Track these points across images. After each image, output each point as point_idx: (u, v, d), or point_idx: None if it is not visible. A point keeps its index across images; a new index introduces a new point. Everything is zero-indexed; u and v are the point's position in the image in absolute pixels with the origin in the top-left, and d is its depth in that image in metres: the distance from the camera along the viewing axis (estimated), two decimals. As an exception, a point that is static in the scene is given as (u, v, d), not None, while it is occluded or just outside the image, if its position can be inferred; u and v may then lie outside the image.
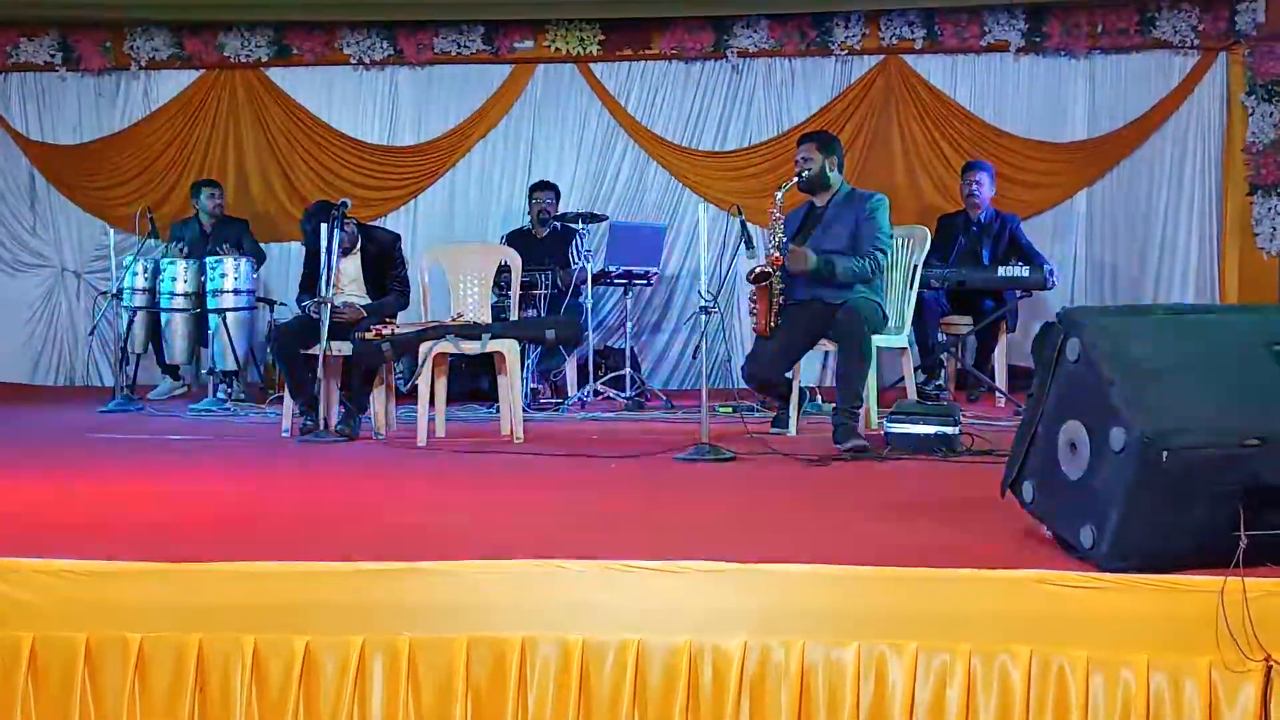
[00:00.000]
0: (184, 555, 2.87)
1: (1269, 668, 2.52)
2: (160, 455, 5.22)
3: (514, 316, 6.29)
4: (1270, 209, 8.23)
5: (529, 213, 8.06)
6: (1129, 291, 8.49)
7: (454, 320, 5.80)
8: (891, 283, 5.98)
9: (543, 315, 7.22)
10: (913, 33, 8.42)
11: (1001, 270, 7.04)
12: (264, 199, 8.96)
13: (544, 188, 8.05)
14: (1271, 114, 8.23)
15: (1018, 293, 7.15)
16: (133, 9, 8.61)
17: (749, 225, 5.40)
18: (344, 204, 5.80)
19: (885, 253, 5.42)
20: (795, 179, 5.52)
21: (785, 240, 5.43)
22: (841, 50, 8.51)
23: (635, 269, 7.48)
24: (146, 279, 7.48)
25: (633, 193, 8.83)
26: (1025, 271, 6.98)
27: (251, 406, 7.18)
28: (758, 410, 6.42)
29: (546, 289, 7.29)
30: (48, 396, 8.32)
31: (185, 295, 7.37)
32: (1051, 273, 7.01)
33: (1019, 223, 7.62)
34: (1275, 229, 8.24)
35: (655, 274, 7.82)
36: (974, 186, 7.46)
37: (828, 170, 5.53)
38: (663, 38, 8.58)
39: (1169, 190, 8.50)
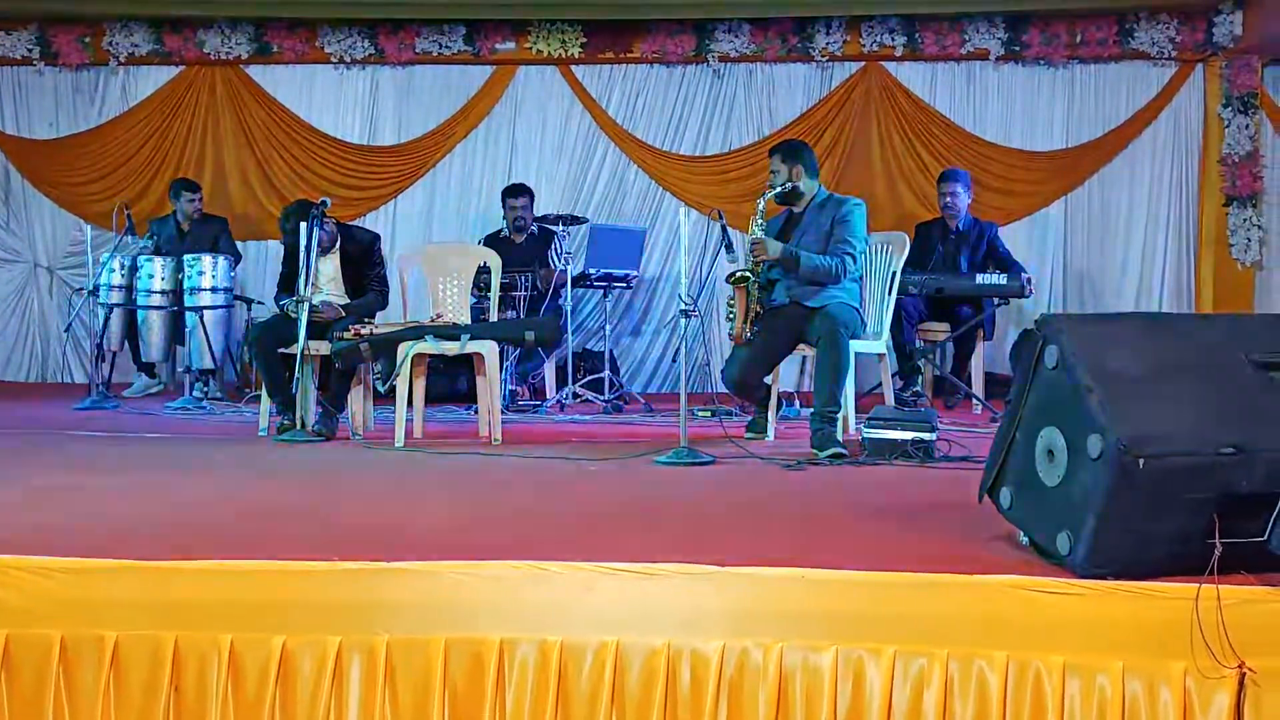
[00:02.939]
0: (160, 553, 2.85)
1: (1243, 674, 2.54)
2: (136, 453, 5.19)
3: (493, 318, 6.28)
4: (1245, 220, 8.31)
5: (506, 219, 8.03)
6: (1105, 299, 8.56)
7: (433, 321, 5.79)
8: (870, 288, 6.00)
9: (522, 317, 7.21)
10: (893, 39, 8.46)
11: (979, 278, 7.07)
12: (242, 197, 8.93)
13: (519, 192, 7.97)
14: (1247, 126, 8.32)
15: (995, 300, 7.19)
16: (112, 4, 8.56)
17: (729, 230, 5.41)
18: (324, 203, 5.78)
19: (854, 257, 5.42)
20: (770, 191, 5.54)
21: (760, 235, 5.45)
22: (822, 56, 8.54)
23: (615, 272, 7.49)
24: (123, 276, 7.44)
25: (613, 196, 8.84)
26: (1003, 279, 7.02)
27: (228, 405, 7.16)
28: (736, 414, 6.43)
29: (526, 290, 7.28)
30: (20, 393, 8.26)
31: (162, 293, 7.35)
32: (1029, 281, 7.05)
33: (997, 230, 7.66)
34: (1250, 240, 8.32)
35: (635, 277, 7.83)
36: (949, 198, 7.50)
37: (795, 179, 5.54)
38: (644, 41, 8.59)
39: (1146, 200, 8.58)
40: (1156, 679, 2.56)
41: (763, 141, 8.55)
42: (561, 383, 7.36)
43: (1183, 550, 2.66)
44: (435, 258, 6.38)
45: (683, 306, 4.91)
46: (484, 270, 6.45)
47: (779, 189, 5.51)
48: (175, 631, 2.73)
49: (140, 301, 7.38)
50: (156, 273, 7.32)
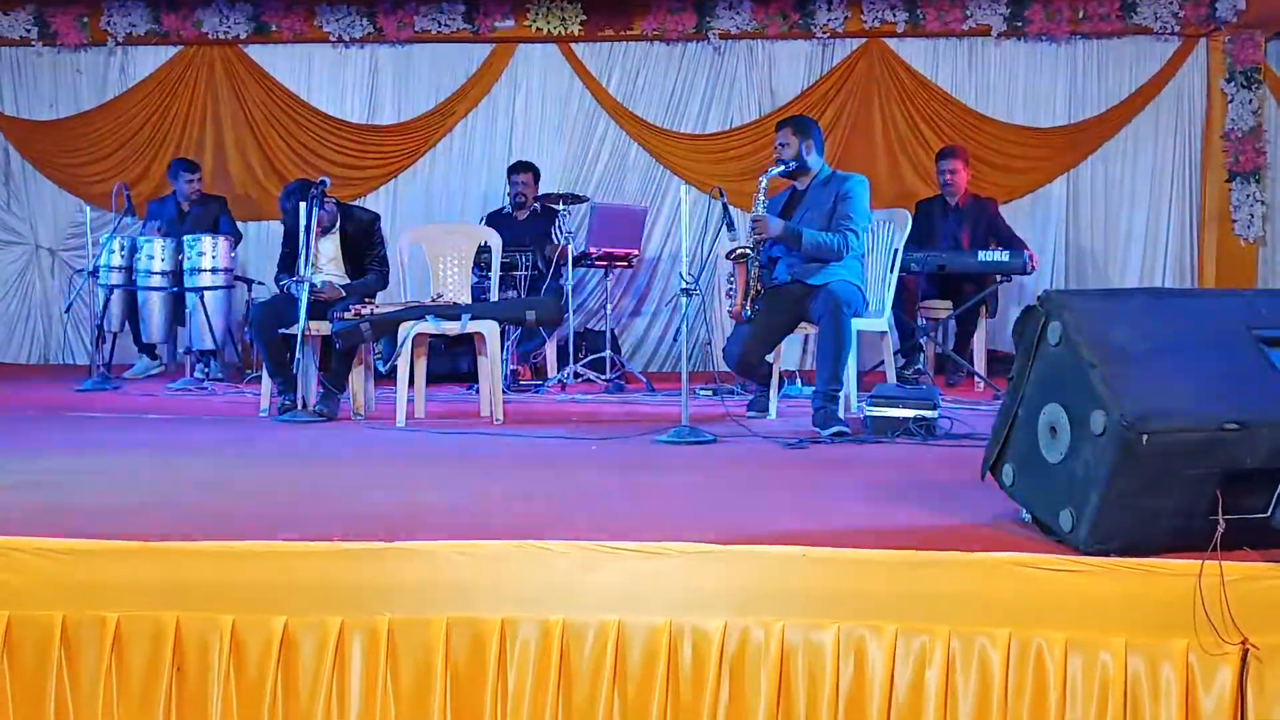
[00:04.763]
0: (162, 534, 2.85)
1: (1245, 651, 2.54)
2: (137, 434, 5.19)
3: (494, 297, 6.27)
4: (1248, 195, 8.28)
5: (508, 195, 8.02)
6: (1108, 276, 8.53)
7: (434, 301, 5.78)
8: (872, 266, 5.98)
9: (523, 296, 7.20)
10: (895, 16, 8.42)
11: (981, 255, 7.04)
12: (242, 177, 8.90)
13: (521, 169, 7.98)
14: (1250, 101, 8.28)
15: (998, 277, 7.15)
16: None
17: (730, 208, 5.39)
18: (323, 182, 5.76)
19: (858, 233, 5.38)
20: (777, 166, 5.52)
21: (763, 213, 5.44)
22: (823, 33, 8.49)
23: (616, 251, 7.46)
24: (123, 257, 7.43)
25: (614, 174, 8.81)
26: (1005, 256, 6.98)
27: (229, 386, 7.16)
28: (738, 393, 6.42)
29: (527, 270, 7.27)
30: (22, 374, 8.26)
31: (162, 274, 7.33)
32: (1032, 257, 7.02)
33: (997, 207, 7.63)
34: (1253, 216, 8.29)
35: (636, 256, 7.81)
36: (949, 175, 7.47)
37: (805, 154, 5.52)
38: (644, 18, 8.54)
39: (1148, 176, 8.54)
40: (1159, 656, 2.56)
41: (764, 119, 8.51)
42: (563, 362, 7.35)
43: (1186, 526, 2.66)
44: (436, 237, 6.37)
45: (684, 285, 4.90)
46: (485, 249, 6.43)
47: (789, 163, 5.49)
48: (176, 612, 2.74)
49: (140, 282, 7.36)
50: (156, 254, 7.30)
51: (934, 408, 4.91)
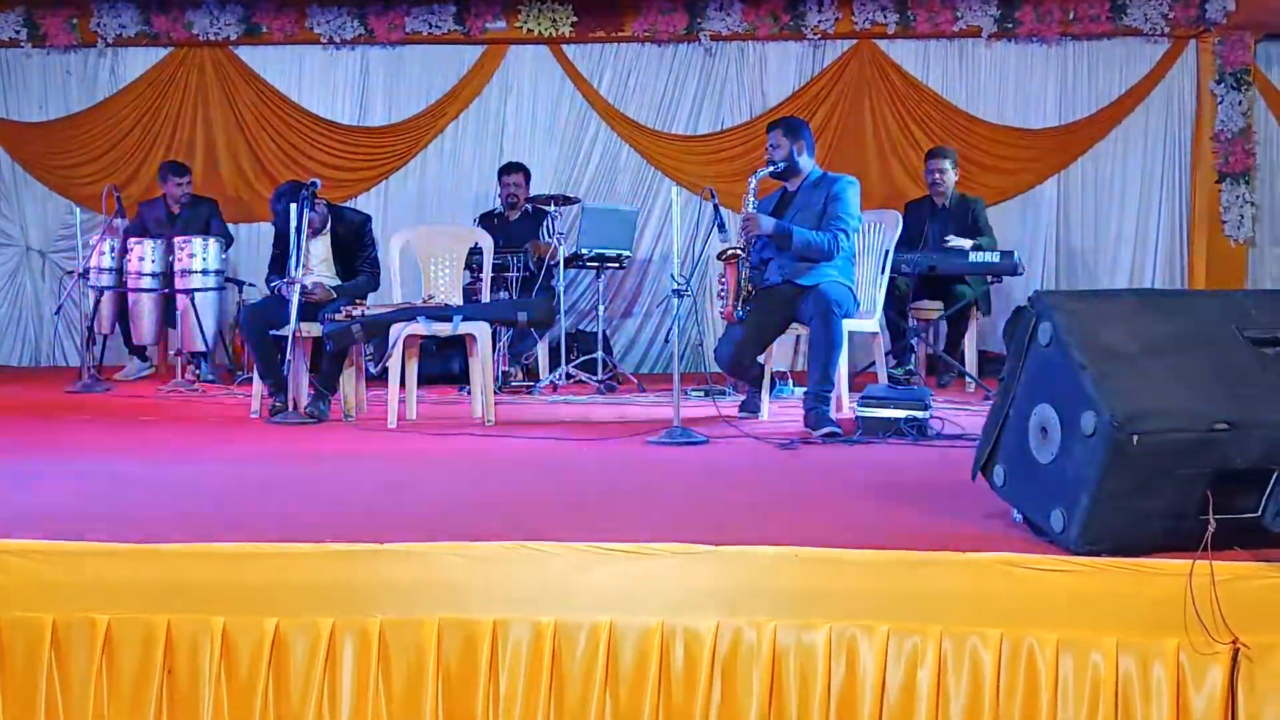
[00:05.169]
0: (153, 536, 2.84)
1: (1235, 650, 2.54)
2: (128, 436, 5.17)
3: (486, 299, 6.26)
4: (1238, 197, 8.31)
5: (499, 196, 8.02)
6: (1098, 277, 8.55)
7: (425, 302, 5.77)
8: (863, 267, 5.99)
9: (514, 297, 7.19)
10: (885, 17, 8.43)
11: (972, 256, 7.05)
12: (233, 179, 8.88)
13: (513, 170, 7.98)
14: (1240, 102, 8.31)
15: (988, 278, 7.16)
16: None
17: (721, 209, 5.39)
18: (314, 184, 5.75)
19: (848, 234, 5.39)
20: (767, 167, 5.52)
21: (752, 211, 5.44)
22: (814, 34, 8.50)
23: (608, 252, 7.46)
24: (114, 258, 7.41)
25: (605, 176, 8.81)
26: (996, 258, 6.99)
27: (220, 387, 7.13)
28: (730, 394, 6.42)
29: (518, 271, 7.26)
30: (13, 376, 8.23)
31: (153, 275, 7.31)
32: (1009, 254, 7.00)
33: (983, 204, 7.64)
34: (1243, 217, 8.32)
35: (628, 257, 7.81)
36: (937, 175, 7.47)
37: (796, 155, 5.53)
38: (636, 19, 8.55)
39: (1138, 177, 8.57)
40: (1150, 655, 2.57)
41: (755, 120, 8.52)
42: (554, 363, 7.35)
43: (1177, 526, 2.66)
44: (427, 239, 6.36)
45: (675, 286, 4.90)
46: (476, 251, 6.43)
47: (779, 164, 5.49)
48: (168, 614, 2.73)
49: (131, 284, 7.34)
50: (146, 255, 7.28)
51: (925, 408, 4.91)
